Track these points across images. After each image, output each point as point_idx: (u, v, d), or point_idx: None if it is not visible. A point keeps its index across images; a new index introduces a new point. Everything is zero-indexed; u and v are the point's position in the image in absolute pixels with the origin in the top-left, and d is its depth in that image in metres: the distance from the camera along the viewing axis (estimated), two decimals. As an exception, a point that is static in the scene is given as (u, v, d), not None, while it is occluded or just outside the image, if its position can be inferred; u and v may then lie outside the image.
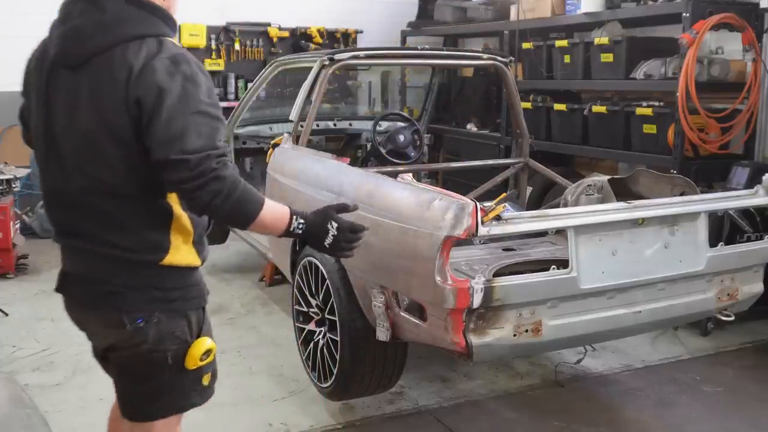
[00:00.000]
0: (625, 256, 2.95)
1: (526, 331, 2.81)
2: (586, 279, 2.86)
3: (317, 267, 3.48)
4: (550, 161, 5.38)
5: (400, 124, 5.69)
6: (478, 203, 2.63)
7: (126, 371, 2.06)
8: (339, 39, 8.23)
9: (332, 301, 3.36)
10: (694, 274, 3.13)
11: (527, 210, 4.48)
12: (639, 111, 5.26)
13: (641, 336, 4.43)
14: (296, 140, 4.19)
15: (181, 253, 1.99)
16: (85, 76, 1.88)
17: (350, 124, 6.28)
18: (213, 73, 7.70)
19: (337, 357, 3.34)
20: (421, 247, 2.73)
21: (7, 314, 4.81)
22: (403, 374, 3.52)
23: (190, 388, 2.06)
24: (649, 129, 5.22)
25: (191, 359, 2.01)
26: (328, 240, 2.06)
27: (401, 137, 5.36)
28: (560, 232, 3.37)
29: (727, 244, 3.35)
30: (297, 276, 3.74)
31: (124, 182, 1.91)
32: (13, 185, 5.77)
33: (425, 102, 6.38)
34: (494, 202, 3.05)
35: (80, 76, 1.88)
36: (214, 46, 7.72)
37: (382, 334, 3.07)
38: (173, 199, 1.97)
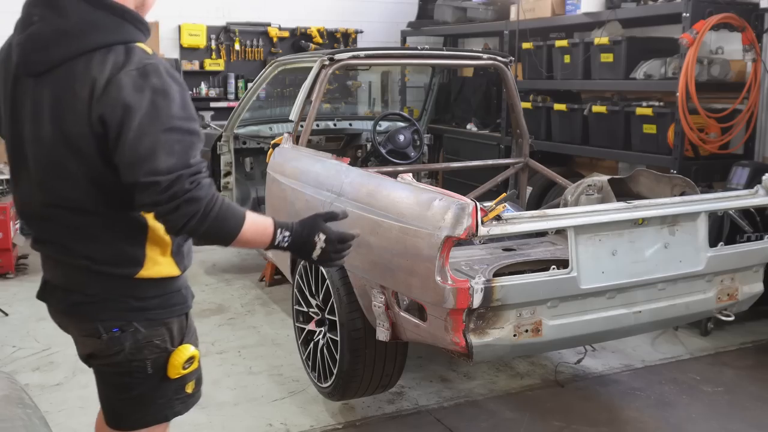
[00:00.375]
0: (625, 256, 2.95)
1: (526, 331, 2.81)
2: (586, 279, 2.86)
3: (317, 267, 3.48)
4: (550, 161, 5.38)
5: (400, 124, 5.69)
6: (478, 203, 2.62)
7: (107, 380, 2.00)
8: (339, 39, 8.24)
9: (332, 301, 3.36)
10: (694, 274, 3.13)
11: (527, 210, 4.48)
12: (639, 111, 5.26)
13: (641, 336, 4.43)
14: (296, 140, 4.18)
15: (158, 266, 1.90)
16: (47, 87, 1.77)
17: (350, 124, 6.27)
18: (213, 73, 7.73)
19: (337, 357, 3.34)
20: (421, 247, 2.73)
21: (7, 314, 4.81)
22: (403, 374, 3.52)
23: (173, 397, 1.99)
24: (649, 129, 5.22)
25: (173, 368, 1.94)
26: (316, 252, 1.94)
27: (401, 137, 5.36)
28: (560, 232, 3.37)
29: (727, 244, 3.35)
30: (297, 276, 3.75)
31: (88, 199, 1.81)
32: (13, 185, 5.76)
33: (425, 102, 6.38)
34: (494, 202, 3.05)
35: (42, 86, 1.77)
36: (214, 46, 7.72)
37: (382, 334, 3.07)
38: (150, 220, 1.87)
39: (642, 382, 3.96)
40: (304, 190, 3.69)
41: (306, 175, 3.77)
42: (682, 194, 3.56)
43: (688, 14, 4.84)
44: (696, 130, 4.93)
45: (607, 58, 5.55)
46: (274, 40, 7.94)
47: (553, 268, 2.85)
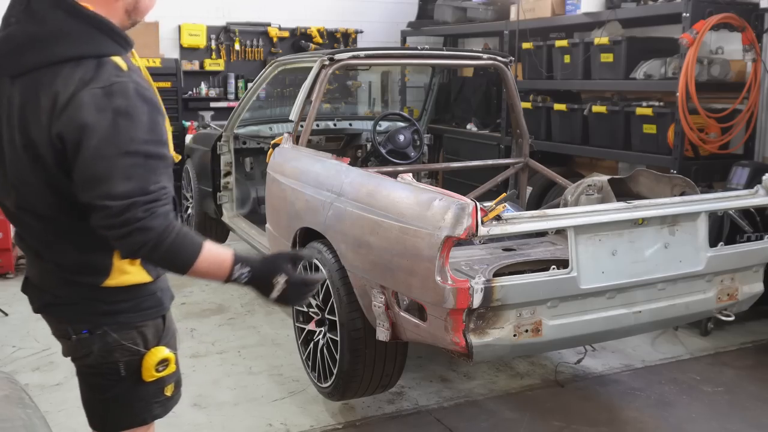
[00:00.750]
0: (625, 256, 2.95)
1: (526, 331, 2.81)
2: (586, 279, 2.86)
3: (317, 267, 3.48)
4: (550, 161, 5.38)
5: (400, 124, 5.69)
6: (478, 203, 2.63)
7: (84, 380, 1.98)
8: (339, 39, 8.24)
9: (332, 301, 3.36)
10: (694, 274, 3.13)
11: (527, 210, 4.48)
12: (639, 111, 5.26)
13: (641, 336, 4.43)
14: (296, 140, 4.18)
15: (126, 274, 1.85)
16: (18, 90, 1.72)
17: (350, 124, 6.28)
18: (213, 73, 7.73)
19: (337, 357, 3.34)
20: (421, 247, 2.73)
21: (7, 314, 4.81)
22: (403, 374, 3.53)
23: (150, 401, 1.96)
24: (649, 129, 5.22)
25: (146, 371, 1.90)
26: (274, 294, 1.84)
27: (401, 137, 5.36)
28: (560, 232, 3.37)
29: (727, 244, 3.35)
30: (297, 276, 3.74)
31: (51, 207, 1.78)
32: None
33: (425, 102, 6.38)
34: (494, 202, 3.05)
35: (15, 89, 1.72)
36: (214, 46, 7.72)
37: (382, 334, 3.08)
38: None
39: (642, 382, 3.97)
40: (304, 190, 3.69)
41: (306, 175, 3.77)
42: (682, 194, 3.56)
43: (688, 14, 4.83)
44: (696, 130, 4.93)
45: (607, 58, 5.55)
46: (274, 40, 7.94)
47: (553, 268, 2.85)
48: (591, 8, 5.72)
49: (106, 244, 1.76)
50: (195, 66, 7.63)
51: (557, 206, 4.10)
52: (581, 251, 2.86)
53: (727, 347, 4.44)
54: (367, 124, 6.14)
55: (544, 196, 5.44)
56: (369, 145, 5.74)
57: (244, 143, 5.73)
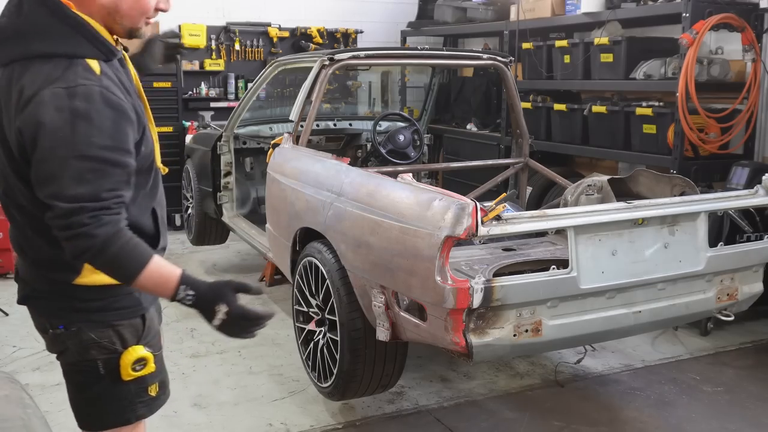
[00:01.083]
0: (625, 256, 2.95)
1: (526, 331, 2.81)
2: (586, 279, 2.86)
3: (317, 267, 3.48)
4: (550, 161, 5.38)
5: (400, 124, 5.69)
6: (478, 203, 2.63)
7: (67, 379, 2.00)
8: (339, 39, 8.24)
9: (332, 301, 3.36)
10: (694, 274, 3.13)
11: (527, 210, 4.48)
12: (639, 111, 5.26)
13: (641, 336, 4.44)
14: (296, 140, 4.19)
15: (98, 274, 1.81)
16: (4, 78, 1.74)
17: (350, 124, 6.28)
18: (213, 73, 7.72)
19: (337, 357, 3.35)
20: (421, 247, 2.73)
21: (7, 314, 4.81)
22: (403, 374, 3.53)
23: (134, 400, 1.95)
24: (649, 129, 5.22)
25: (124, 369, 1.90)
26: (215, 322, 1.78)
27: (401, 137, 5.36)
28: (560, 232, 3.37)
29: (727, 244, 3.35)
30: (297, 276, 3.75)
31: (27, 201, 1.78)
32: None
33: (425, 102, 6.38)
34: (494, 202, 3.05)
35: (2, 77, 1.75)
36: (214, 46, 7.72)
37: (382, 334, 3.08)
38: None
39: (642, 382, 3.97)
40: (304, 190, 3.69)
41: (306, 175, 3.77)
42: (682, 194, 3.56)
43: (687, 14, 4.83)
44: (696, 130, 4.93)
45: (607, 58, 5.55)
46: (274, 40, 7.93)
47: (553, 268, 2.85)
48: (591, 8, 5.71)
49: None
50: (195, 66, 7.63)
51: (557, 206, 4.10)
52: (581, 251, 2.86)
53: (727, 347, 4.44)
54: (367, 124, 6.14)
55: (544, 196, 5.44)
56: (369, 145, 5.74)
57: (244, 143, 5.73)
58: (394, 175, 3.33)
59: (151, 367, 1.95)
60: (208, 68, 7.67)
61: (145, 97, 1.96)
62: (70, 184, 1.64)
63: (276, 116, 6.31)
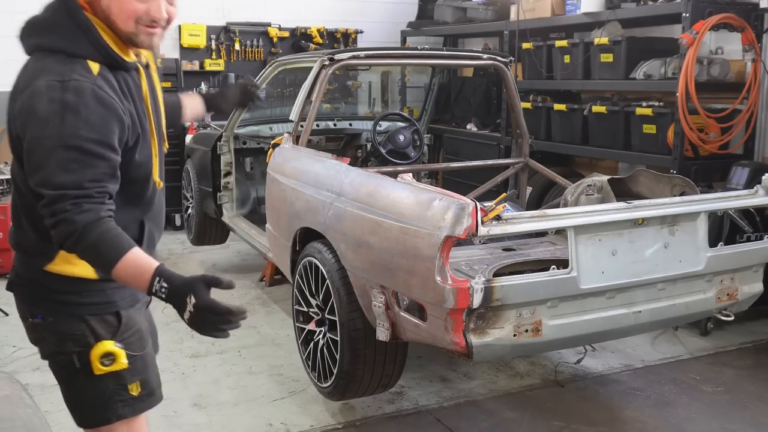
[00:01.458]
0: (625, 256, 2.95)
1: (526, 331, 2.81)
2: (586, 279, 2.86)
3: (317, 267, 3.48)
4: (550, 161, 5.38)
5: (400, 124, 5.69)
6: (478, 203, 2.63)
7: (54, 375, 2.04)
8: (339, 39, 8.24)
9: (332, 301, 3.36)
10: (694, 274, 3.13)
11: (527, 210, 4.48)
12: (639, 111, 5.26)
13: (641, 336, 4.44)
14: (296, 140, 4.19)
15: (71, 265, 1.89)
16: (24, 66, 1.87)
17: (350, 124, 6.28)
18: (213, 73, 7.72)
19: (337, 357, 3.35)
20: (421, 246, 2.73)
21: (7, 314, 4.81)
22: (403, 374, 3.53)
23: (113, 398, 1.97)
24: (649, 129, 5.22)
25: (93, 362, 1.93)
26: (185, 314, 1.74)
27: (401, 137, 5.36)
28: (560, 232, 3.37)
29: (727, 244, 3.35)
30: (297, 276, 3.75)
31: (22, 182, 1.87)
32: (13, 185, 5.76)
33: (425, 102, 6.38)
34: (494, 202, 3.06)
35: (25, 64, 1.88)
36: (214, 46, 7.72)
37: (382, 334, 3.08)
38: None
39: (642, 382, 3.97)
40: (304, 190, 3.69)
41: (306, 175, 3.77)
42: (681, 194, 3.56)
43: (687, 14, 4.83)
44: (696, 130, 4.93)
45: (607, 58, 5.55)
46: (274, 40, 7.93)
47: (553, 268, 2.85)
48: (591, 8, 5.72)
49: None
50: (195, 66, 7.63)
51: (557, 206, 4.10)
52: (581, 251, 2.86)
53: (727, 347, 4.44)
54: (367, 124, 6.14)
55: (544, 196, 5.44)
56: (369, 145, 5.74)
57: (244, 143, 5.73)
58: (394, 175, 3.33)
59: (121, 363, 1.95)
60: (208, 68, 7.67)
61: (151, 112, 1.99)
62: (56, 172, 1.72)
63: (276, 116, 6.31)
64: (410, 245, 2.78)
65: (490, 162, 5.37)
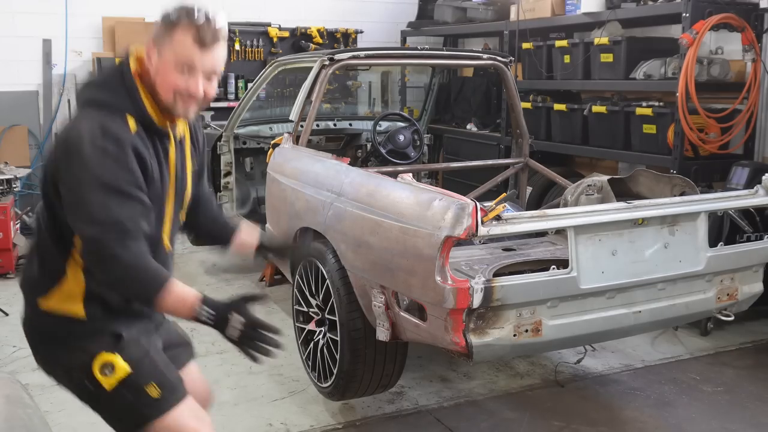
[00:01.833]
0: (625, 256, 2.95)
1: (526, 331, 2.81)
2: (586, 279, 2.86)
3: (317, 267, 3.48)
4: (550, 161, 5.38)
5: (400, 124, 5.69)
6: (478, 203, 2.63)
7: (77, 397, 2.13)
8: (339, 39, 8.23)
9: (332, 301, 3.36)
10: (694, 274, 3.13)
11: (527, 210, 4.48)
12: (639, 111, 5.26)
13: (641, 336, 4.43)
14: (296, 140, 4.19)
15: (64, 303, 2.03)
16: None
17: (350, 124, 6.27)
18: (213, 73, 7.71)
19: (337, 357, 3.35)
20: (421, 246, 2.73)
21: (7, 314, 4.82)
22: (403, 374, 3.53)
23: (136, 406, 2.02)
24: (649, 129, 5.22)
25: (104, 381, 2.00)
26: (235, 334, 1.89)
27: (401, 137, 5.36)
28: (560, 232, 3.37)
29: (727, 244, 3.35)
30: (297, 276, 3.75)
31: (42, 219, 2.04)
32: (14, 185, 5.77)
33: (425, 102, 6.39)
34: (494, 202, 3.05)
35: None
36: (214, 46, 7.71)
37: (382, 334, 3.08)
38: (74, 262, 2.01)
39: (642, 382, 3.97)
40: (304, 190, 3.69)
41: (306, 175, 3.77)
42: (682, 194, 3.56)
43: (687, 14, 4.83)
44: (696, 130, 4.93)
45: (607, 58, 5.55)
46: (274, 40, 7.93)
47: (553, 268, 2.85)
48: (591, 8, 5.72)
49: (57, 267, 2.01)
50: (195, 66, 7.62)
51: (557, 206, 4.10)
52: (581, 251, 2.86)
53: (727, 347, 4.44)
54: (367, 124, 6.13)
55: (544, 196, 5.44)
56: (369, 145, 5.74)
57: (244, 143, 5.73)
58: (394, 175, 3.33)
59: (122, 368, 2.01)
60: (207, 68, 7.66)
61: (173, 179, 2.10)
62: (97, 211, 1.84)
63: (276, 116, 6.31)
64: (410, 245, 2.78)
65: (490, 162, 5.37)
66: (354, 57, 4.20)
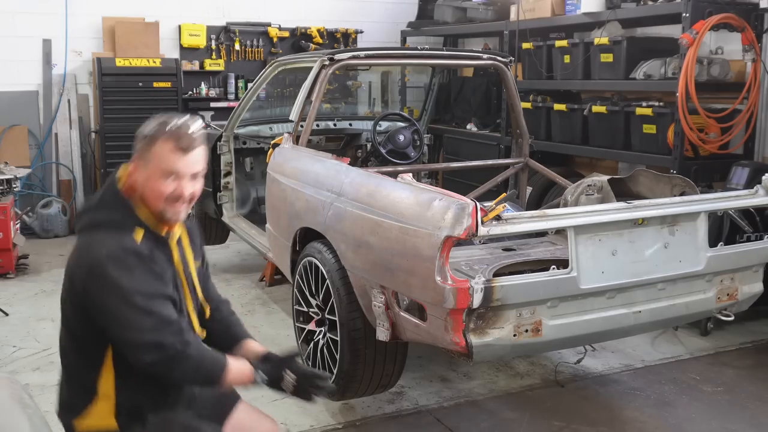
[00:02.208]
0: (625, 256, 2.95)
1: (526, 331, 2.81)
2: (586, 279, 2.86)
3: (317, 267, 3.48)
4: (550, 161, 5.38)
5: (400, 124, 5.69)
6: (478, 203, 2.63)
7: None
8: (339, 39, 8.24)
9: (332, 301, 3.36)
10: (694, 274, 3.13)
11: (527, 210, 4.48)
12: (639, 111, 5.26)
13: (641, 336, 4.43)
14: (296, 140, 4.19)
15: (97, 419, 2.15)
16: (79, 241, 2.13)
17: (350, 124, 6.27)
18: (213, 73, 7.73)
19: (337, 357, 3.35)
20: (421, 247, 2.73)
21: (7, 314, 4.81)
22: (403, 374, 3.53)
23: None
24: (649, 129, 5.22)
25: None
26: (290, 388, 2.15)
27: (401, 137, 5.36)
28: (560, 232, 3.37)
29: (727, 244, 3.35)
30: (297, 276, 3.75)
31: (67, 342, 2.21)
32: (14, 185, 5.77)
33: (425, 102, 6.38)
34: (494, 202, 3.05)
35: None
36: (214, 46, 7.72)
37: (382, 334, 3.08)
38: (105, 378, 2.13)
39: (642, 382, 3.97)
40: (304, 190, 3.69)
41: (306, 175, 3.77)
42: (681, 194, 3.56)
43: (687, 14, 4.84)
44: (696, 130, 4.93)
45: (607, 58, 5.55)
46: (274, 40, 7.94)
47: (553, 268, 2.85)
48: (591, 8, 5.72)
49: (87, 384, 2.16)
50: (195, 66, 7.63)
51: (557, 206, 4.10)
52: (581, 251, 2.86)
53: (727, 347, 4.44)
54: (367, 124, 6.13)
55: (544, 196, 5.44)
56: (369, 145, 5.74)
57: (244, 143, 5.73)
58: (394, 175, 3.33)
59: None
60: (208, 68, 7.67)
61: (184, 278, 2.24)
62: (145, 320, 1.97)
63: (276, 116, 6.31)
64: (410, 245, 2.78)
65: (490, 162, 5.37)
66: (354, 57, 4.20)
